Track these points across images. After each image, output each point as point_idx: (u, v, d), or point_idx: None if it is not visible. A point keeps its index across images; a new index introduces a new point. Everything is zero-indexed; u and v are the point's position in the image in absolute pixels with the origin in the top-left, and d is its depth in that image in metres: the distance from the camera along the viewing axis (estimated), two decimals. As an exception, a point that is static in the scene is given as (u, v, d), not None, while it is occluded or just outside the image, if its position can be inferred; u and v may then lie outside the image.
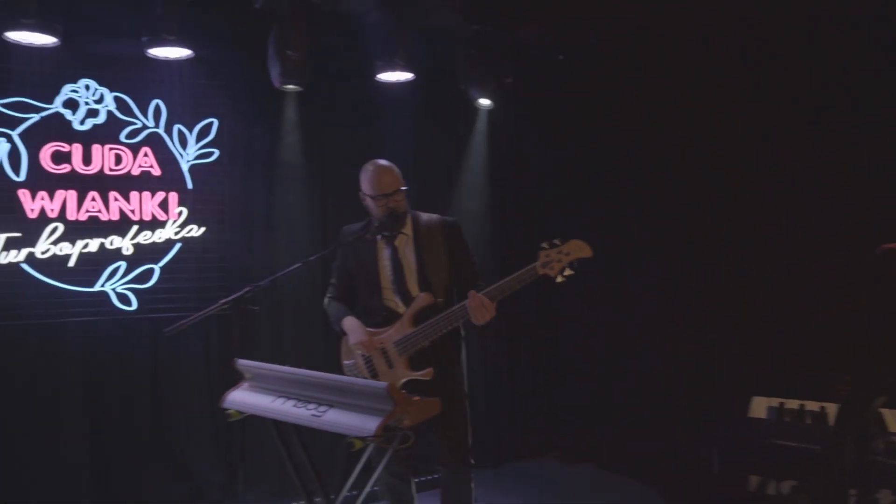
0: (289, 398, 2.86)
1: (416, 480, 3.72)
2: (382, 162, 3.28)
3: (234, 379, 4.47)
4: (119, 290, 4.30)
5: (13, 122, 4.08)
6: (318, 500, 2.96)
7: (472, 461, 3.43)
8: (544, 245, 3.08)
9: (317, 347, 4.68)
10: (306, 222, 4.73)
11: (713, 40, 4.29)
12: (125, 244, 4.29)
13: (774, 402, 3.62)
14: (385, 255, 3.31)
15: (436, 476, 4.54)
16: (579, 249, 3.07)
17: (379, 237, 3.29)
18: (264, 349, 4.41)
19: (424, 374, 3.22)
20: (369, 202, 3.27)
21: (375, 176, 3.23)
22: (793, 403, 3.60)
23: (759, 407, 3.62)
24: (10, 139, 4.06)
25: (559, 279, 3.09)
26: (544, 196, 5.49)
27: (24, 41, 3.58)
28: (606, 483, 4.91)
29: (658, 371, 4.71)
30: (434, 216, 3.39)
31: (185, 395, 4.50)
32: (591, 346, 5.22)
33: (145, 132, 4.38)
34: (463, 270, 3.33)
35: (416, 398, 2.68)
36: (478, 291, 3.09)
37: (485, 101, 4.77)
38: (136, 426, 4.40)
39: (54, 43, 3.59)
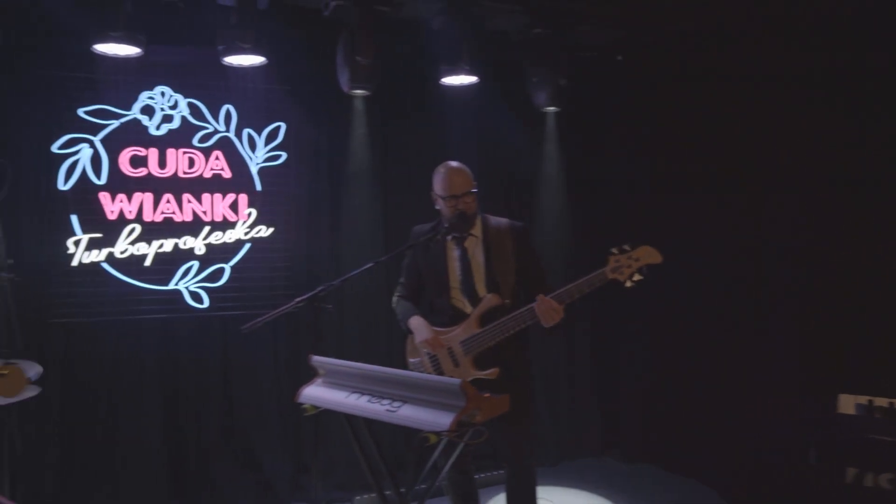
0: (363, 394, 2.93)
1: (478, 476, 3.81)
2: (454, 163, 3.34)
3: (301, 375, 4.64)
4: (192, 288, 4.47)
5: (95, 129, 4.29)
6: (388, 493, 3.04)
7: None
8: (614, 250, 3.13)
9: (379, 345, 4.79)
10: (371, 223, 4.83)
11: (777, 35, 4.26)
12: (198, 244, 4.47)
13: (862, 399, 3.61)
14: (454, 255, 3.37)
15: (495, 472, 4.62)
16: (649, 255, 3.10)
17: (449, 237, 3.36)
18: (328, 346, 4.53)
19: (490, 374, 3.27)
20: (440, 202, 3.34)
21: (447, 177, 3.29)
22: (882, 401, 3.59)
23: (847, 404, 3.62)
24: (92, 144, 4.27)
25: (628, 284, 3.13)
26: (612, 199, 5.46)
27: (110, 52, 3.75)
28: (667, 482, 4.89)
29: (723, 370, 4.67)
30: (503, 220, 3.44)
31: (253, 390, 4.65)
32: (654, 345, 5.20)
33: (216, 136, 4.55)
34: (530, 274, 3.37)
35: (487, 395, 2.75)
36: (545, 295, 3.15)
37: (550, 107, 4.79)
38: (208, 419, 4.57)
39: (138, 53, 3.76)
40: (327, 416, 3.10)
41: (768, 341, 4.45)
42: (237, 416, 4.62)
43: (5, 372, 1.44)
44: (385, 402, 2.84)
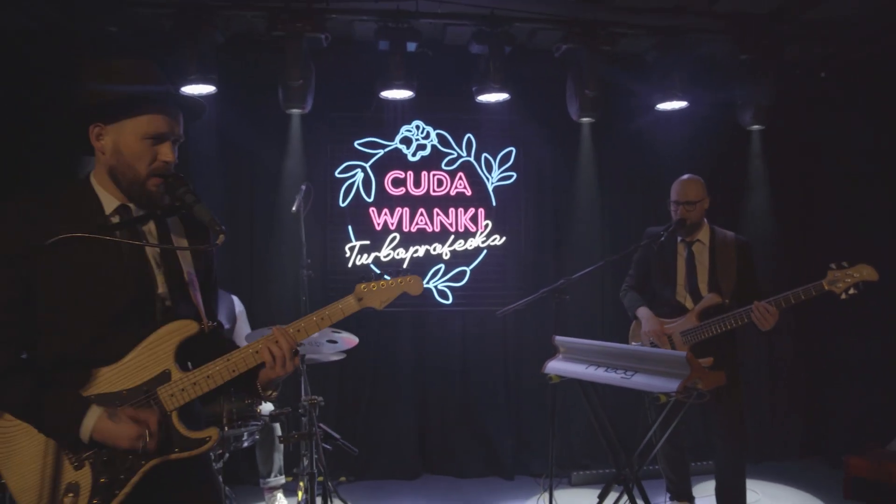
0: (599, 366, 3.56)
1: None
2: (687, 175, 3.92)
3: (524, 363, 5.34)
4: (440, 287, 5.35)
5: (366, 157, 5.32)
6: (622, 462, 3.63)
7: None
8: (832, 266, 3.52)
9: (594, 328, 5.31)
10: (588, 233, 5.44)
11: None
12: (444, 250, 5.34)
13: None
14: (682, 256, 3.94)
15: (707, 462, 4.99)
16: (867, 273, 3.46)
17: (679, 240, 3.92)
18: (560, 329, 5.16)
19: (705, 362, 3.75)
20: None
21: (677, 184, 3.90)
22: None
23: None
24: (364, 169, 5.31)
25: (843, 297, 3.51)
26: (814, 210, 5.71)
27: (390, 97, 4.73)
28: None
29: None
30: (729, 233, 3.97)
31: (485, 375, 5.41)
32: (862, 350, 5.31)
33: (459, 160, 5.42)
34: (748, 282, 3.85)
35: (706, 369, 3.28)
36: (760, 301, 3.59)
37: (755, 125, 5.14)
38: (450, 398, 5.39)
39: (411, 96, 4.70)
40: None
41: None
42: (472, 397, 5.40)
43: (409, 279, 2.23)
44: (619, 371, 3.44)
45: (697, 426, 5.30)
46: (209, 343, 2.02)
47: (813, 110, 5.59)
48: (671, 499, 4.24)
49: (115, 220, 1.89)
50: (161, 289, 1.93)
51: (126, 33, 4.31)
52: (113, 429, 1.74)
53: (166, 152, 1.88)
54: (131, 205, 1.91)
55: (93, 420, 1.74)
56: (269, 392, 2.11)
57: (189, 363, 1.98)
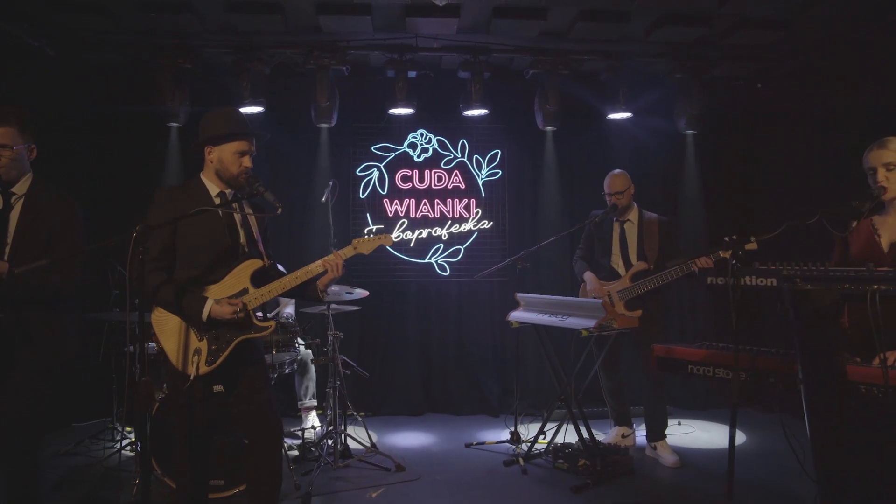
0: (545, 313, 4.81)
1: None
2: (616, 171, 5.05)
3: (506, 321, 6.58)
4: (439, 262, 6.65)
5: (380, 158, 6.63)
6: (565, 385, 4.88)
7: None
8: (726, 238, 4.53)
9: (562, 289, 6.44)
10: (556, 217, 6.67)
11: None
12: (443, 233, 6.63)
13: None
14: (616, 232, 5.11)
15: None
16: (750, 244, 4.46)
17: (614, 219, 5.09)
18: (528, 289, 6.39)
19: (635, 314, 4.93)
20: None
21: (607, 178, 5.05)
22: None
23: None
24: (379, 169, 6.62)
25: (734, 261, 4.51)
26: (739, 197, 6.85)
27: (396, 113, 6.04)
28: (798, 425, 5.94)
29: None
30: (654, 214, 5.09)
31: (475, 330, 6.67)
32: (791, 311, 6.35)
33: (455, 160, 6.70)
34: (669, 252, 4.93)
35: (621, 313, 4.52)
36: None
37: (689, 130, 6.29)
38: (447, 350, 6.65)
39: (412, 112, 6.00)
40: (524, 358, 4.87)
41: None
42: (466, 349, 6.65)
43: (383, 236, 3.39)
44: (558, 316, 4.68)
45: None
46: (268, 274, 3.33)
47: (743, 116, 6.76)
48: (614, 424, 5.40)
49: (217, 200, 3.22)
50: (242, 240, 3.25)
51: (198, 68, 5.68)
52: (219, 309, 3.05)
53: (247, 162, 3.21)
54: (227, 191, 3.25)
55: (209, 306, 3.05)
56: (324, 293, 3.39)
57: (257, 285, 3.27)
